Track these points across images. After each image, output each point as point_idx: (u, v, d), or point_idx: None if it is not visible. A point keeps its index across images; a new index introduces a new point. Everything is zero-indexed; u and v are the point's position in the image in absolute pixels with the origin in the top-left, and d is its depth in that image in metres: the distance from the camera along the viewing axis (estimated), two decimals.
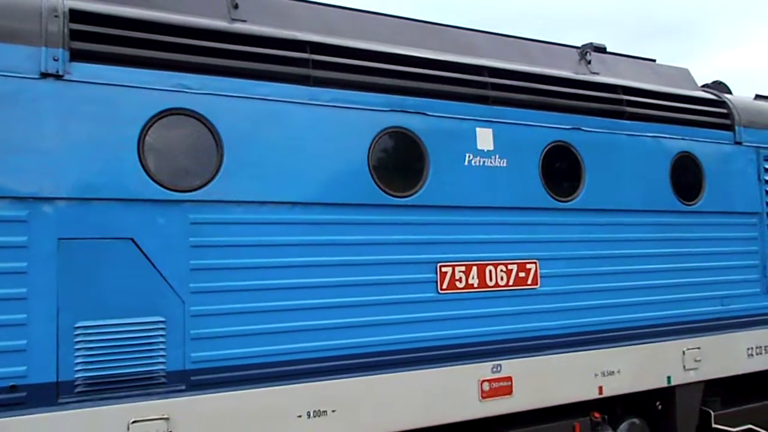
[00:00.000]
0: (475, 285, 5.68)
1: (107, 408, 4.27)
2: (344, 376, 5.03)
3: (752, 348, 7.41)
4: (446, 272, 5.54)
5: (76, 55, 4.39)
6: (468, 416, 5.56)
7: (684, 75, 7.97)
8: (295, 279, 4.93)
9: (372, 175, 5.28)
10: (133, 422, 4.31)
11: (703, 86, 8.20)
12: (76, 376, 4.23)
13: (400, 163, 5.58)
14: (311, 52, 5.23)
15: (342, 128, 5.20)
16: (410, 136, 5.50)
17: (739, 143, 7.55)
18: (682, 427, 6.84)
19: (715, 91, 7.92)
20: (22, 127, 4.17)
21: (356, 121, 5.26)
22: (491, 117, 5.87)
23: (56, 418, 4.13)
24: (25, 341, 4.11)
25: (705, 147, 7.25)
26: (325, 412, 4.93)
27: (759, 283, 7.53)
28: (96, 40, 4.48)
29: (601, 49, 7.26)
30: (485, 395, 5.61)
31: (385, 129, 5.39)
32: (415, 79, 5.64)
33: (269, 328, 4.81)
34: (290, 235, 4.94)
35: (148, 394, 4.40)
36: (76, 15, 4.46)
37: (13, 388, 4.05)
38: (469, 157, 5.72)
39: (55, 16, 4.35)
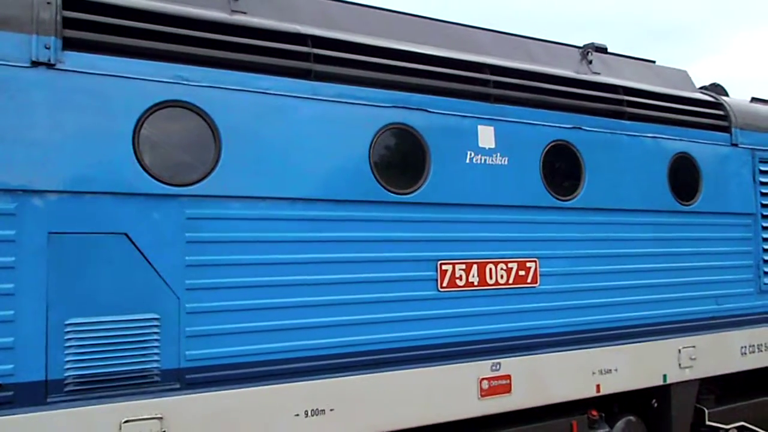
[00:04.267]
0: (476, 283, 5.30)
1: (98, 407, 3.88)
2: (343, 374, 4.66)
3: (745, 346, 7.11)
4: (447, 270, 5.16)
5: (70, 44, 3.97)
6: (467, 414, 5.21)
7: (683, 77, 7.57)
8: (293, 276, 4.53)
9: (373, 172, 4.89)
10: (126, 422, 3.92)
11: (701, 88, 7.79)
12: (66, 374, 3.83)
13: (401, 159, 5.19)
14: (313, 46, 4.83)
15: (343, 124, 4.81)
16: (412, 132, 5.10)
17: (735, 145, 7.19)
18: (677, 424, 6.54)
19: (712, 93, 7.53)
20: (11, 117, 3.75)
21: (358, 117, 4.87)
22: (493, 115, 5.49)
23: (45, 417, 3.75)
24: (12, 338, 3.71)
25: (702, 148, 6.90)
26: (323, 410, 4.56)
27: (752, 283, 7.21)
28: (90, 28, 4.05)
29: (602, 50, 6.85)
30: (484, 393, 5.25)
31: (387, 125, 4.99)
32: (418, 75, 5.24)
33: (267, 325, 4.42)
34: (289, 231, 4.54)
35: (142, 393, 4.01)
36: (69, 2, 4.04)
37: None
38: (470, 154, 5.33)
39: (48, 3, 3.93)
